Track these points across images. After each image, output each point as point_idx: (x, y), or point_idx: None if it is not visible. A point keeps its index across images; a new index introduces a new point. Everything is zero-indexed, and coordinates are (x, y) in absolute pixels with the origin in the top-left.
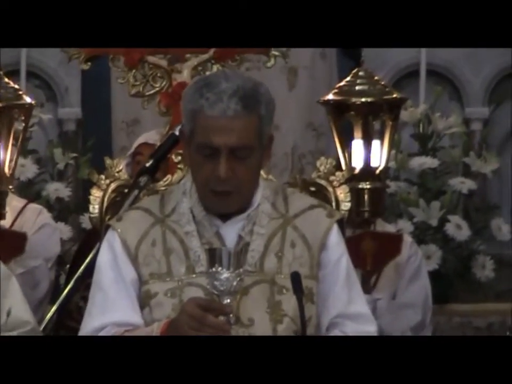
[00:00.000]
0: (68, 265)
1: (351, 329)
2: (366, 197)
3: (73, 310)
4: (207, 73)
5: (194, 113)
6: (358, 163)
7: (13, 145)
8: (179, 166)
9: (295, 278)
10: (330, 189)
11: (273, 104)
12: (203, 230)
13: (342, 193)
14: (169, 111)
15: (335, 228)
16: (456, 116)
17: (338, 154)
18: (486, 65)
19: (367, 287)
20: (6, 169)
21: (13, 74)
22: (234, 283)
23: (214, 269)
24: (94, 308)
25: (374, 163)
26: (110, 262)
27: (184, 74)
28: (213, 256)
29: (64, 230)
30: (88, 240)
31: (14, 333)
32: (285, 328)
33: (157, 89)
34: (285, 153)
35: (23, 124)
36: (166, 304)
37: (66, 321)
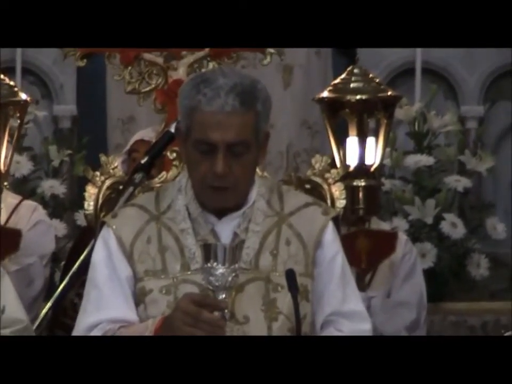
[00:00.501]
0: (62, 262)
1: (346, 327)
2: (360, 194)
3: (68, 307)
4: (203, 70)
5: (191, 110)
6: (352, 161)
7: (8, 142)
8: (174, 163)
9: (290, 275)
10: (325, 187)
11: (270, 101)
12: (198, 227)
13: (337, 190)
14: (165, 108)
15: (330, 225)
16: (452, 114)
17: (333, 152)
18: (481, 64)
19: (362, 285)
20: (1, 166)
21: (8, 71)
22: (229, 278)
23: (209, 264)
24: (89, 304)
25: (368, 161)
26: (105, 259)
27: (180, 71)
28: (208, 252)
29: (59, 227)
30: (83, 237)
31: (7, 331)
32: (279, 326)
33: (153, 86)
34: (280, 151)
35: (18, 121)
36: (161, 301)
37: (61, 318)
